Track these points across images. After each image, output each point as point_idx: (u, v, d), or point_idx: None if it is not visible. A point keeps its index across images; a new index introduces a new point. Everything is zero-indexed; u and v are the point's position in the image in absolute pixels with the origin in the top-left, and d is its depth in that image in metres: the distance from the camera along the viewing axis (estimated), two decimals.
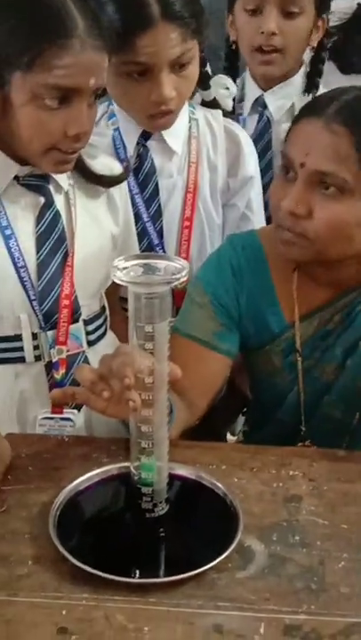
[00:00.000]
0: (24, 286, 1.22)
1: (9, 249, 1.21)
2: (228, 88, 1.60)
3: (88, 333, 1.31)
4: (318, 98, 1.23)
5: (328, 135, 1.12)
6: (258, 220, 1.58)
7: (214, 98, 1.58)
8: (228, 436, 1.79)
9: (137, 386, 0.92)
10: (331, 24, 1.97)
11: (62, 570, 0.91)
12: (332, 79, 1.99)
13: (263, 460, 1.14)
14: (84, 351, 1.29)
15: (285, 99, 1.72)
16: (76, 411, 1.27)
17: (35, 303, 1.23)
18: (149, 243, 1.46)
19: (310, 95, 1.71)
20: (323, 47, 1.73)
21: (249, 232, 1.40)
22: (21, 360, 1.25)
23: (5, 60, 1.09)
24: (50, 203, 1.24)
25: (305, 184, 1.14)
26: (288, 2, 1.61)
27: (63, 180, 1.27)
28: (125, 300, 0.99)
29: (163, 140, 1.48)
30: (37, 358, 1.26)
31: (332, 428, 1.30)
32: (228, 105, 1.61)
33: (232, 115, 1.66)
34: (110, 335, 1.38)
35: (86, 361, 1.28)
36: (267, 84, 1.71)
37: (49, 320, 1.24)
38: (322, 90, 1.74)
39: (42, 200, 1.24)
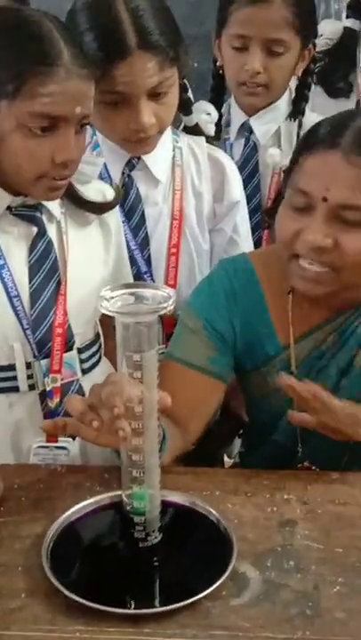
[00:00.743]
0: (17, 315, 1.22)
1: (2, 278, 1.21)
2: (209, 114, 1.61)
3: (82, 361, 1.30)
4: (326, 126, 1.19)
5: (349, 168, 1.12)
6: (246, 244, 1.59)
7: (196, 123, 1.58)
8: (225, 459, 1.79)
9: (127, 415, 0.92)
10: (317, 48, 1.99)
11: (55, 602, 0.91)
12: (319, 102, 2.01)
13: (257, 484, 1.14)
14: (78, 379, 1.29)
15: (271, 123, 1.73)
16: (71, 439, 1.27)
17: (28, 332, 1.23)
18: (137, 271, 1.46)
19: (296, 120, 1.72)
20: (309, 73, 1.74)
21: (240, 256, 1.40)
22: (15, 389, 1.25)
23: None
24: (42, 232, 1.25)
25: (327, 217, 1.14)
26: (273, 42, 1.62)
27: (55, 208, 1.27)
28: None
29: (147, 168, 1.48)
30: (31, 387, 1.25)
31: (329, 448, 1.30)
32: (211, 130, 1.62)
33: (218, 140, 1.67)
34: (105, 362, 1.38)
35: (81, 389, 1.28)
36: (251, 110, 1.73)
37: (42, 349, 1.24)
38: (309, 113, 1.75)
39: (34, 230, 1.24)
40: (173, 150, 1.52)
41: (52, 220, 1.27)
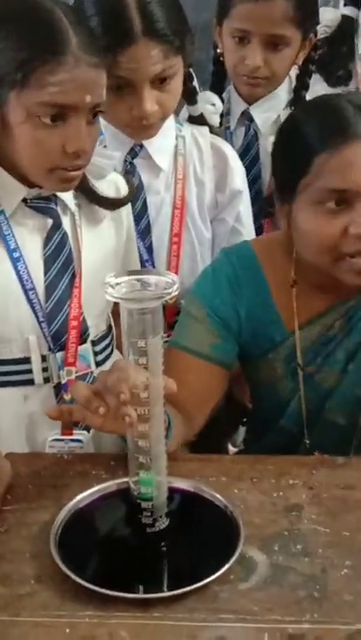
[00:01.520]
0: (33, 308, 1.22)
1: (17, 271, 1.21)
2: (214, 104, 1.61)
3: (96, 354, 1.30)
4: (339, 115, 1.16)
5: None
6: (248, 233, 1.59)
7: (201, 113, 1.58)
8: (230, 448, 1.79)
9: (133, 401, 0.92)
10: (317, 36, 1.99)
11: (64, 588, 0.91)
12: (317, 89, 2.00)
13: (262, 469, 1.14)
14: (92, 372, 1.29)
15: (271, 111, 1.73)
16: (85, 432, 1.27)
17: (43, 325, 1.22)
18: (139, 259, 1.46)
19: None
20: (310, 61, 1.72)
21: (242, 243, 1.40)
22: (30, 382, 1.25)
23: (1, 79, 1.08)
24: (57, 224, 1.24)
25: None
26: (274, 37, 1.60)
27: (70, 200, 1.26)
28: None
29: (150, 157, 1.49)
30: (46, 380, 1.25)
31: (335, 434, 1.31)
32: (215, 121, 1.62)
33: (219, 128, 1.66)
34: (117, 355, 1.37)
35: (95, 381, 1.27)
36: (251, 99, 1.72)
37: (57, 341, 1.24)
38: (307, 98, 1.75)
39: (50, 222, 1.24)
40: (176, 139, 1.52)
41: (67, 212, 1.27)
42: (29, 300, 1.22)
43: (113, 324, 1.37)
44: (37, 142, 1.11)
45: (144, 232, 1.48)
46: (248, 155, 1.70)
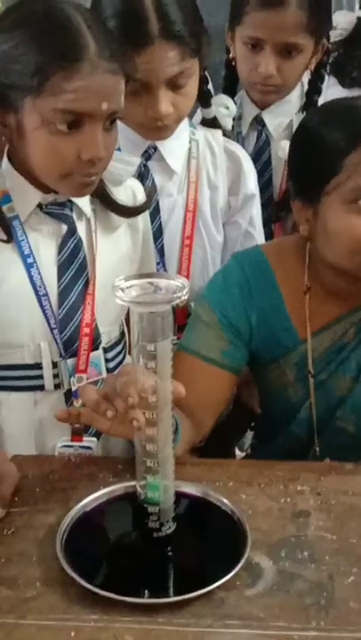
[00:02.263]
0: (45, 314, 1.21)
1: (30, 277, 1.20)
2: (228, 107, 1.61)
3: (107, 361, 1.29)
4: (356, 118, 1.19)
5: None
6: (260, 237, 1.59)
7: (215, 116, 1.58)
8: (237, 452, 1.79)
9: (141, 405, 0.92)
10: (332, 39, 1.97)
11: (70, 591, 0.91)
12: (331, 92, 2.00)
13: (270, 475, 1.14)
14: (103, 379, 1.27)
15: (283, 116, 1.72)
16: (95, 439, 1.26)
17: (55, 331, 1.22)
18: None
19: None
20: (322, 65, 1.71)
21: (254, 249, 1.40)
22: (41, 388, 1.24)
23: (17, 85, 1.07)
24: (72, 230, 1.23)
25: None
26: (287, 45, 1.59)
27: (86, 205, 1.25)
28: None
29: (163, 159, 1.49)
30: (57, 386, 1.24)
31: (345, 442, 1.30)
32: (228, 124, 1.62)
33: (231, 132, 1.66)
34: (129, 361, 1.36)
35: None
36: (264, 104, 1.72)
37: (69, 348, 1.23)
38: (320, 102, 1.74)
39: (64, 228, 1.23)
40: (190, 142, 1.52)
41: (82, 218, 1.26)
42: (42, 307, 1.21)
43: (126, 329, 1.36)
44: (52, 149, 1.10)
45: (156, 234, 1.48)
46: (260, 160, 1.69)
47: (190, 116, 1.55)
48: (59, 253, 1.22)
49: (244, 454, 1.70)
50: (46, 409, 1.25)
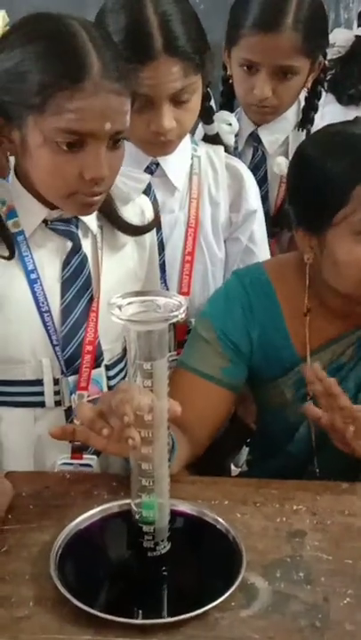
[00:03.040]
0: (47, 331, 1.20)
1: (34, 293, 1.19)
2: (230, 124, 1.61)
3: (109, 378, 1.27)
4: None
5: None
6: (262, 253, 1.58)
7: (217, 133, 1.59)
8: (232, 468, 1.78)
9: (137, 423, 0.92)
10: (329, 57, 1.97)
11: (64, 611, 0.90)
12: (329, 109, 2.00)
13: (266, 494, 1.13)
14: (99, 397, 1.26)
15: (279, 133, 1.73)
16: (95, 456, 1.24)
17: (57, 348, 1.21)
18: None
19: (304, 130, 1.71)
20: (319, 82, 1.72)
21: (255, 266, 1.39)
22: (41, 404, 1.23)
23: (20, 102, 1.07)
24: (77, 247, 1.22)
25: None
26: (283, 68, 1.59)
27: (92, 222, 1.24)
28: None
29: (165, 176, 1.48)
30: (57, 403, 1.23)
31: (343, 463, 1.29)
32: (231, 141, 1.62)
33: (235, 148, 1.66)
34: None
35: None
36: (260, 121, 1.72)
37: (71, 365, 1.22)
38: (319, 120, 1.75)
39: (69, 244, 1.21)
40: (192, 158, 1.52)
41: (88, 235, 1.25)
42: (44, 323, 1.20)
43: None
44: (55, 167, 1.09)
45: (158, 250, 1.47)
46: (256, 175, 1.69)
47: (192, 132, 1.55)
48: (63, 270, 1.22)
49: (239, 470, 1.69)
50: (46, 426, 1.22)
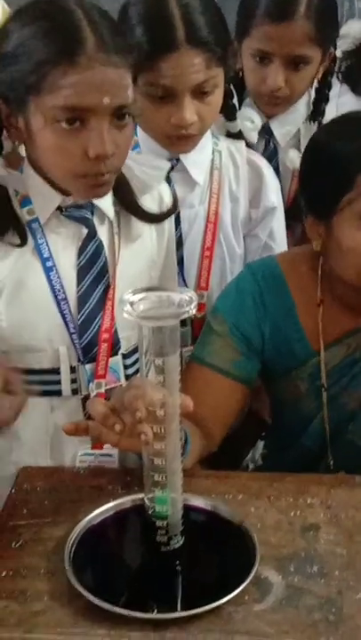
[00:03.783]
0: (64, 319, 1.20)
1: (50, 281, 1.19)
2: (253, 121, 1.61)
3: (126, 367, 1.27)
4: None
5: None
6: (280, 249, 1.58)
7: (240, 130, 1.59)
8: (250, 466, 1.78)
9: (149, 419, 0.92)
10: (344, 48, 1.96)
11: (78, 605, 0.91)
12: (345, 100, 1.99)
13: (280, 487, 1.13)
14: (121, 385, 1.26)
15: (290, 125, 1.72)
16: None
17: (74, 336, 1.21)
18: None
19: (315, 122, 1.70)
20: (330, 74, 1.71)
21: (267, 259, 1.39)
22: (58, 393, 1.23)
23: (19, 84, 1.07)
24: (92, 234, 1.21)
25: None
26: (295, 58, 1.59)
27: (108, 207, 1.23)
28: None
29: (186, 171, 1.48)
30: (74, 392, 1.23)
31: (357, 456, 1.29)
32: (254, 138, 1.62)
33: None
34: None
35: None
36: (271, 114, 1.72)
37: (88, 353, 1.22)
38: (332, 109, 1.74)
39: (85, 231, 1.21)
40: (213, 154, 1.52)
41: (104, 221, 1.24)
42: (61, 311, 1.20)
43: None
44: (58, 148, 1.09)
45: (176, 245, 1.47)
46: None
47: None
48: (79, 257, 1.21)
49: (252, 466, 1.69)
50: (63, 415, 1.23)
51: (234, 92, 1.57)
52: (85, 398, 1.23)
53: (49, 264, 1.19)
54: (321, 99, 1.72)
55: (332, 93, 1.94)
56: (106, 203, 1.23)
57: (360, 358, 1.27)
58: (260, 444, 1.67)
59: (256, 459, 1.62)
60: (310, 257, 1.29)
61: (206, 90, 1.35)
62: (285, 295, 1.29)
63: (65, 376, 1.22)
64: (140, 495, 1.00)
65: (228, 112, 1.55)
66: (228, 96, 1.48)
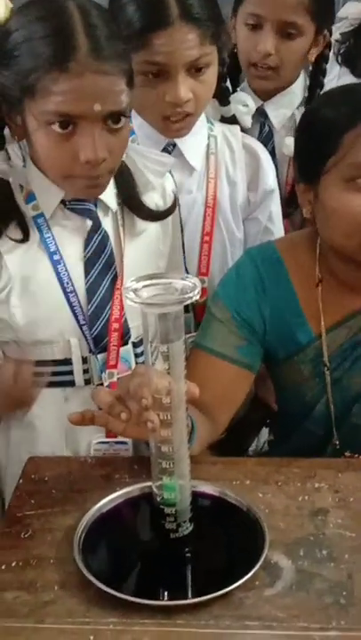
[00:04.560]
0: (73, 311, 1.21)
1: (58, 274, 1.20)
2: (247, 105, 1.61)
3: (137, 355, 1.28)
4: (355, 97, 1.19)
5: None
6: (279, 233, 1.58)
7: (233, 114, 1.59)
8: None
9: (155, 406, 0.92)
10: (343, 30, 1.96)
11: (89, 594, 0.91)
12: (345, 81, 1.98)
13: (288, 473, 1.13)
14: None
15: (285, 108, 1.72)
16: None
17: (85, 327, 1.22)
18: None
19: None
20: (324, 58, 1.72)
21: (267, 244, 1.39)
22: (71, 384, 1.24)
23: (17, 87, 1.08)
24: (97, 226, 1.23)
25: None
26: (287, 24, 1.60)
27: (111, 200, 1.24)
28: None
29: (182, 156, 1.48)
30: (87, 382, 1.24)
31: None
32: (248, 122, 1.62)
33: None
34: None
35: None
36: (264, 95, 1.71)
37: (99, 344, 1.23)
38: None
39: (89, 223, 1.22)
40: (208, 139, 1.52)
41: (108, 213, 1.25)
42: (70, 304, 1.21)
43: None
44: (51, 150, 1.10)
45: None
46: None
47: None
48: (85, 249, 1.22)
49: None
50: (77, 405, 1.23)
51: (227, 76, 1.56)
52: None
53: (56, 257, 1.20)
54: (315, 83, 1.72)
55: (332, 76, 1.95)
56: (108, 194, 1.23)
57: None
58: (264, 431, 1.68)
59: (260, 447, 1.62)
60: (308, 239, 1.29)
61: (200, 66, 1.35)
62: (285, 280, 1.29)
63: (77, 367, 1.23)
64: (149, 483, 1.00)
65: (222, 96, 1.55)
66: (221, 80, 1.47)
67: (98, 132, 1.08)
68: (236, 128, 1.57)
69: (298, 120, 1.67)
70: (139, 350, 1.28)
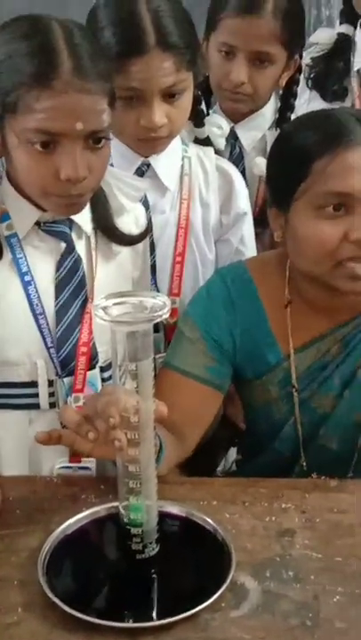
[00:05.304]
0: (41, 333, 1.20)
1: (28, 295, 1.19)
2: (221, 127, 1.62)
3: (104, 380, 1.27)
4: (337, 122, 1.18)
5: None
6: (251, 254, 1.58)
7: (207, 136, 1.59)
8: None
9: (122, 425, 0.91)
10: (313, 55, 2.00)
11: (53, 616, 0.90)
12: (313, 106, 2.01)
13: (255, 493, 1.13)
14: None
15: (256, 130, 1.73)
16: (93, 459, 1.22)
17: (52, 350, 1.20)
18: None
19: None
20: (295, 82, 1.73)
21: (237, 264, 1.39)
22: (36, 406, 1.22)
23: None
24: (71, 249, 1.22)
25: None
26: (260, 54, 1.60)
27: (86, 223, 1.24)
28: None
29: (156, 176, 1.48)
30: (52, 405, 1.23)
31: (330, 459, 1.29)
32: (221, 144, 1.62)
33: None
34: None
35: None
36: (235, 116, 1.73)
37: (65, 367, 1.21)
38: None
39: (63, 246, 1.21)
40: (182, 160, 1.52)
41: (82, 236, 1.25)
42: (38, 325, 1.20)
43: None
44: (31, 168, 1.10)
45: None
46: None
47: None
48: (57, 271, 1.22)
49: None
50: (41, 428, 1.19)
51: (202, 98, 1.57)
52: None
53: (27, 278, 1.20)
54: (286, 107, 1.73)
55: (303, 100, 1.97)
56: (83, 218, 1.23)
57: (330, 362, 1.27)
58: (233, 451, 1.67)
59: (228, 467, 1.62)
60: (279, 260, 1.30)
61: (175, 93, 1.35)
62: (255, 300, 1.29)
63: (43, 390, 1.22)
64: (115, 503, 1.00)
65: (197, 118, 1.56)
66: (196, 102, 1.48)
67: (79, 150, 1.08)
68: (210, 150, 1.58)
69: (268, 141, 1.70)
70: (106, 375, 1.27)
